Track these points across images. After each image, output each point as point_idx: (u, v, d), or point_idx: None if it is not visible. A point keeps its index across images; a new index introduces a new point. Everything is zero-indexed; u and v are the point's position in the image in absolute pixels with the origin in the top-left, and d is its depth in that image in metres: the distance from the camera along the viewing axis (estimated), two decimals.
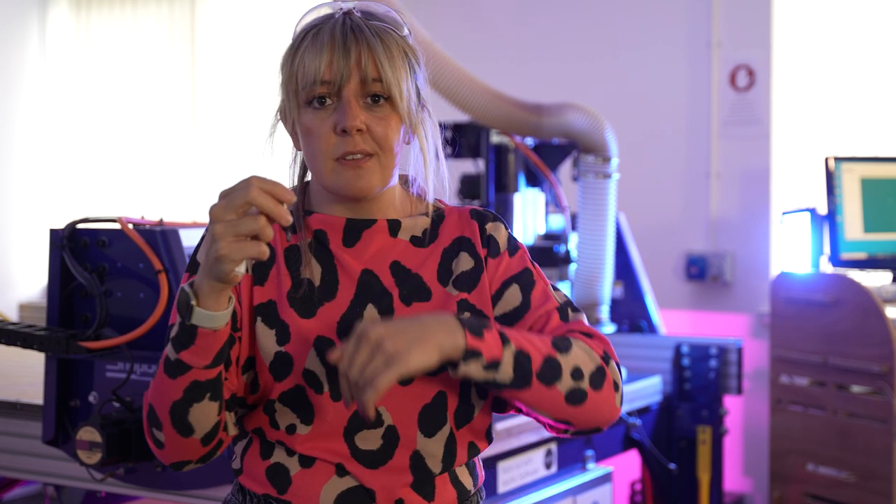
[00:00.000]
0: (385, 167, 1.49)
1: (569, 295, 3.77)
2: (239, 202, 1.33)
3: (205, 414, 1.44)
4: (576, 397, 1.44)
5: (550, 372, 1.43)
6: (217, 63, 5.77)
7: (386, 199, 1.55)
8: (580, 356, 1.45)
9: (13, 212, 6.00)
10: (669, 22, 4.68)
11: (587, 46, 4.84)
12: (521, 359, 1.42)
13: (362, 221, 1.54)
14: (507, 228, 1.58)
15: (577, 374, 1.44)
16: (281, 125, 1.59)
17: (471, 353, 1.39)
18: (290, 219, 1.35)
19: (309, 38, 1.50)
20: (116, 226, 2.34)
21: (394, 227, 1.55)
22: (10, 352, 2.68)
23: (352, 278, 1.52)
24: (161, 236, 2.31)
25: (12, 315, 4.49)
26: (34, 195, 6.09)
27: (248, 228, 1.32)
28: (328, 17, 1.51)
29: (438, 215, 1.58)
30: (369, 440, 1.49)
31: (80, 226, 2.38)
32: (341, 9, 1.51)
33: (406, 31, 1.54)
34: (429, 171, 1.57)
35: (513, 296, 1.54)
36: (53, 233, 2.39)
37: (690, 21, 4.63)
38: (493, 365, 1.40)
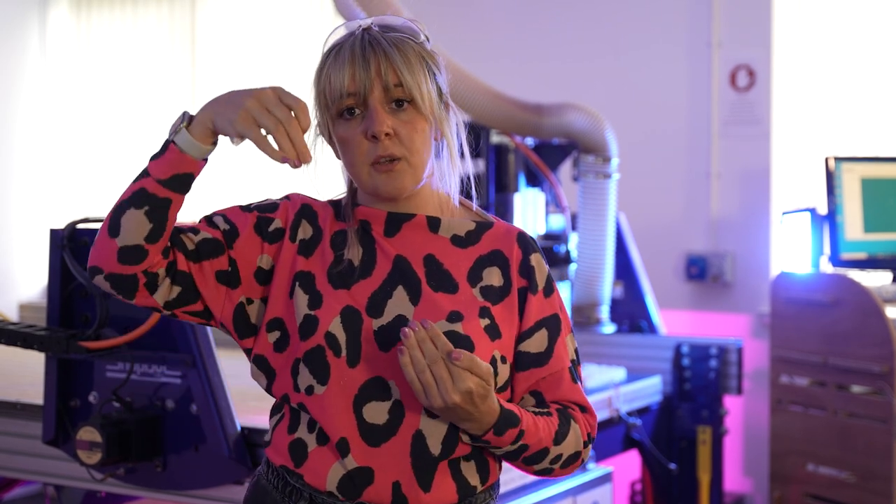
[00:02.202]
0: (415, 167, 1.60)
1: (569, 296, 3.78)
2: (289, 98, 1.48)
3: (135, 224, 1.53)
4: (543, 473, 1.64)
5: (536, 458, 1.60)
6: (217, 63, 5.77)
7: (422, 198, 1.67)
8: (569, 446, 1.62)
9: (13, 212, 6.00)
10: (670, 22, 4.68)
11: (587, 46, 4.84)
12: (520, 450, 1.59)
13: (402, 215, 1.66)
14: (546, 263, 1.69)
15: (555, 460, 1.62)
16: (321, 139, 1.69)
17: (479, 439, 1.57)
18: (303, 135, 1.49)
19: (332, 56, 1.62)
20: None
21: (433, 223, 1.66)
22: (10, 352, 2.69)
23: (388, 261, 1.64)
24: None
25: (12, 315, 4.49)
26: (34, 195, 6.09)
27: (281, 115, 1.47)
28: (349, 35, 1.62)
29: (486, 224, 1.69)
30: (377, 413, 1.57)
31: (80, 226, 2.39)
32: (360, 26, 1.63)
33: (422, 38, 1.65)
34: (454, 168, 1.68)
35: (540, 340, 1.65)
36: (53, 233, 2.39)
37: (690, 21, 4.63)
38: (495, 447, 1.59)
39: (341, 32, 1.64)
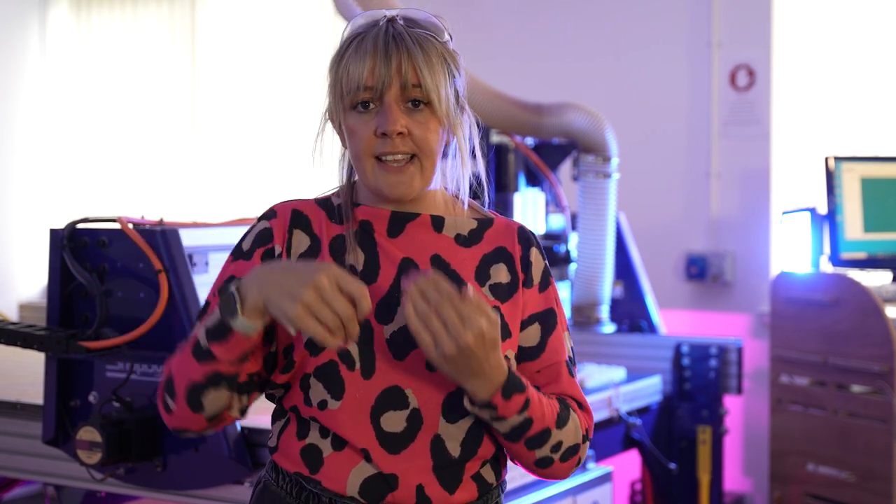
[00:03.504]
0: (425, 169, 1.58)
1: (569, 295, 3.78)
2: (349, 286, 1.43)
3: (218, 399, 1.54)
4: (543, 463, 1.60)
5: (538, 440, 1.56)
6: (217, 63, 5.77)
7: (428, 198, 1.63)
8: (569, 434, 1.59)
9: (13, 212, 6.00)
10: (670, 22, 4.68)
11: (587, 46, 4.84)
12: (524, 425, 1.54)
13: (406, 214, 1.62)
14: (544, 258, 1.66)
15: (556, 447, 1.58)
16: (328, 125, 1.65)
17: (487, 405, 1.52)
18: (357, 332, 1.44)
19: (354, 45, 1.57)
20: (116, 226, 2.34)
21: (437, 223, 1.63)
22: (10, 352, 2.68)
23: (393, 264, 1.59)
24: (161, 236, 2.31)
25: (12, 315, 4.49)
26: (34, 195, 6.09)
27: (342, 310, 1.42)
28: (372, 25, 1.58)
29: (487, 221, 1.66)
30: (394, 422, 1.55)
31: (80, 226, 2.38)
32: (385, 16, 1.58)
33: (446, 37, 1.61)
34: (466, 170, 1.64)
35: (533, 334, 1.62)
36: (53, 233, 2.39)
37: (690, 21, 4.63)
38: (500, 419, 1.53)
39: (363, 20, 1.59)
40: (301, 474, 1.58)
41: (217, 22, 5.77)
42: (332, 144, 1.66)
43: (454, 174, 1.65)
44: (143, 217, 2.39)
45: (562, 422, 1.57)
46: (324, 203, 1.65)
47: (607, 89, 4.73)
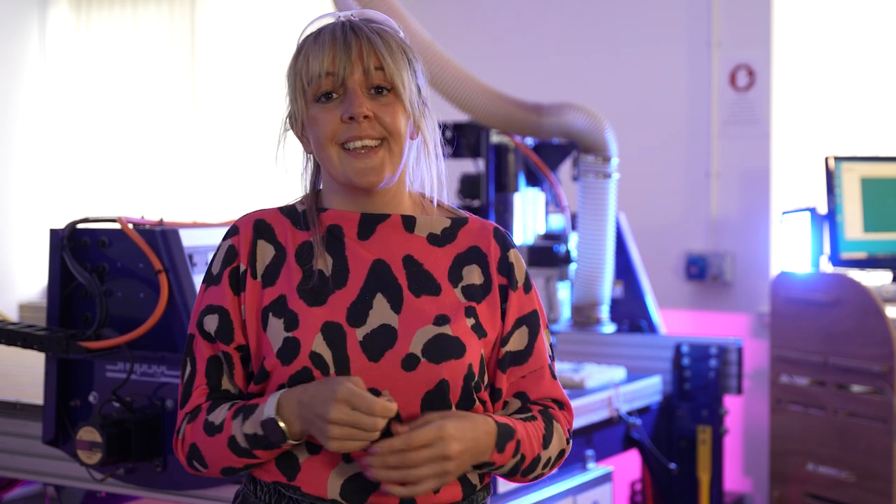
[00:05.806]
0: (394, 154, 1.56)
1: (569, 295, 3.78)
2: (362, 405, 1.45)
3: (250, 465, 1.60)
4: (533, 478, 1.64)
5: (532, 468, 1.61)
6: (217, 63, 5.77)
7: (398, 196, 1.62)
8: (555, 448, 1.63)
9: (13, 212, 6.00)
10: (669, 21, 4.68)
11: (587, 46, 4.84)
12: (518, 463, 1.59)
13: (376, 216, 1.60)
14: (523, 259, 1.68)
15: (546, 464, 1.63)
16: (290, 134, 1.66)
17: (487, 465, 1.57)
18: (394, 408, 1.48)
19: (311, 40, 1.58)
20: (116, 226, 2.34)
21: (408, 222, 1.61)
22: (10, 352, 2.69)
23: (364, 266, 1.57)
24: (161, 236, 2.31)
25: (12, 315, 4.49)
26: (34, 195, 6.09)
27: (366, 436, 1.47)
28: (328, 25, 1.59)
29: (460, 220, 1.64)
30: None
31: (80, 226, 2.39)
32: (340, 17, 1.60)
33: (402, 35, 1.61)
34: (432, 168, 1.64)
35: (520, 338, 1.63)
36: (53, 233, 2.39)
37: (690, 21, 4.63)
38: (498, 468, 1.58)
39: (319, 23, 1.61)
40: (279, 483, 1.57)
41: (217, 22, 5.77)
42: (297, 152, 1.65)
43: (419, 174, 1.64)
44: (143, 217, 2.40)
45: (547, 441, 1.61)
46: (287, 211, 1.64)
47: (607, 89, 4.73)
